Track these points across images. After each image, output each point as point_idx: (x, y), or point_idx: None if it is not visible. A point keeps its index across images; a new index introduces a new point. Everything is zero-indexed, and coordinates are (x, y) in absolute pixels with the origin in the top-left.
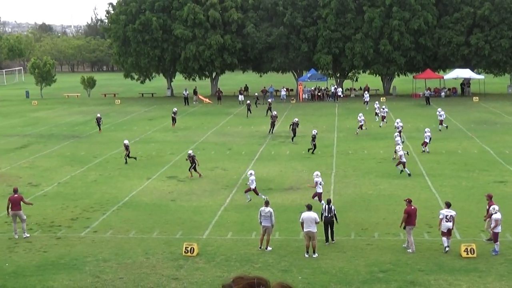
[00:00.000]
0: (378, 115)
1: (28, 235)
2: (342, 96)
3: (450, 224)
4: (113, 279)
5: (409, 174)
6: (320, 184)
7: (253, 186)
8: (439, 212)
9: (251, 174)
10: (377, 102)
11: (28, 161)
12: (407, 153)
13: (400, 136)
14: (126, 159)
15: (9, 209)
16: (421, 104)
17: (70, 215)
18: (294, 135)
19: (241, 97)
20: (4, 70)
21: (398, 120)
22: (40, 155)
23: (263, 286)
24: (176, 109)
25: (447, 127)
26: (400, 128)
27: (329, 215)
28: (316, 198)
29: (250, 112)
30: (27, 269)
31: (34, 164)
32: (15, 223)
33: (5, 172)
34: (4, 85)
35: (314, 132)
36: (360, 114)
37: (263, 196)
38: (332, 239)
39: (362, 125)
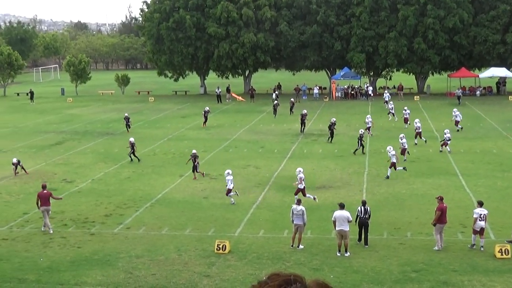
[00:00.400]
0: (392, 114)
1: (51, 231)
2: (372, 94)
3: (483, 223)
4: (145, 275)
5: (387, 177)
6: (302, 180)
7: (301, 186)
8: (473, 211)
9: (299, 171)
10: (405, 107)
11: (63, 157)
12: (408, 153)
13: (415, 137)
14: (131, 157)
15: (39, 205)
16: (455, 103)
17: (103, 212)
18: (332, 137)
19: (274, 95)
20: (40, 68)
21: (416, 120)
22: (74, 152)
23: (299, 283)
24: (208, 108)
25: (462, 128)
26: (418, 129)
27: (364, 216)
28: (300, 193)
29: (275, 113)
30: (62, 264)
31: (69, 161)
32: (46, 218)
33: (41, 168)
34: (40, 83)
35: (361, 131)
36: (368, 116)
37: (311, 197)
38: (366, 243)
39: (370, 127)
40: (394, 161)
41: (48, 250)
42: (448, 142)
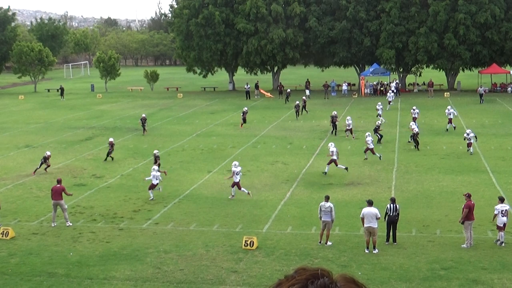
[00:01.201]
0: (380, 116)
1: (71, 224)
2: (395, 91)
3: (505, 219)
4: (173, 270)
5: (324, 172)
6: (237, 174)
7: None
8: (495, 207)
9: (331, 145)
10: (414, 107)
11: (92, 153)
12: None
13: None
14: (107, 156)
15: (52, 198)
16: (486, 99)
17: (132, 207)
18: (335, 129)
19: (307, 92)
20: (70, 64)
21: (412, 123)
22: (104, 147)
23: (327, 277)
24: (246, 108)
25: (455, 127)
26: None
27: (393, 214)
28: (236, 187)
29: (298, 115)
30: (91, 259)
31: (98, 156)
32: (55, 212)
33: (71, 163)
34: (70, 79)
35: (416, 130)
36: (348, 118)
37: (342, 167)
38: (394, 241)
39: (350, 129)
40: (335, 158)
41: (78, 245)
42: (472, 142)
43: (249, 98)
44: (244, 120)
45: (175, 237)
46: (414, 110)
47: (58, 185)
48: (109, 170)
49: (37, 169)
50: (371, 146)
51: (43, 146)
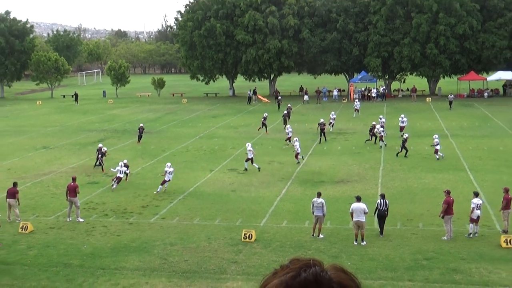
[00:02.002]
0: (332, 126)
1: (82, 220)
2: (375, 96)
3: (479, 212)
4: (178, 261)
5: (246, 169)
6: (169, 174)
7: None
8: (471, 201)
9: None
10: (402, 115)
11: None
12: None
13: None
14: (97, 162)
15: (67, 195)
16: (465, 104)
17: (141, 203)
18: (324, 136)
19: (306, 97)
20: (84, 72)
21: (378, 126)
22: (114, 149)
23: (318, 266)
24: (266, 114)
25: (403, 135)
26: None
27: (383, 209)
28: (166, 185)
29: (285, 124)
30: (103, 251)
31: (109, 157)
32: (70, 207)
33: (84, 163)
34: (84, 86)
35: (405, 136)
36: (332, 112)
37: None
38: (381, 233)
39: (333, 124)
40: (251, 156)
41: (91, 238)
42: (437, 148)
43: (250, 103)
44: (263, 125)
45: (180, 231)
46: (402, 118)
47: (73, 183)
48: None
49: (98, 165)
50: (250, 156)
51: (59, 147)
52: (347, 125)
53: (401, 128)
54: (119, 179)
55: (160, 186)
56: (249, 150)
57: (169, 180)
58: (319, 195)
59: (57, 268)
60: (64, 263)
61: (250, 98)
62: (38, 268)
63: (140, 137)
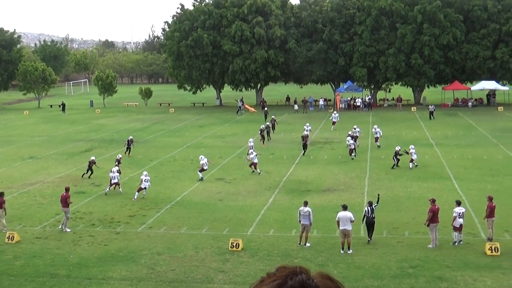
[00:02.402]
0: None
1: (68, 230)
2: (360, 105)
3: (462, 220)
4: (166, 270)
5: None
6: (145, 181)
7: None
8: (453, 210)
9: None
10: (375, 126)
11: None
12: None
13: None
14: (86, 173)
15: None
16: (449, 113)
17: (128, 212)
18: (305, 149)
19: (296, 107)
20: (71, 82)
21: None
22: (102, 158)
23: (305, 274)
24: (274, 117)
25: (379, 146)
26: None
27: (371, 216)
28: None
29: (269, 138)
30: (90, 261)
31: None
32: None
33: (71, 173)
34: (71, 96)
35: (397, 148)
36: (307, 124)
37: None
38: (370, 239)
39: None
40: (205, 168)
41: (78, 248)
42: (414, 157)
43: (241, 113)
44: (262, 137)
45: (167, 240)
46: (375, 129)
47: (65, 193)
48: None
49: (84, 174)
50: (204, 166)
51: (46, 157)
52: (333, 134)
53: (376, 139)
54: (140, 189)
55: (137, 193)
56: (143, 178)
57: (146, 187)
58: (305, 204)
59: (43, 279)
60: (51, 273)
61: (240, 108)
62: (25, 278)
63: (128, 149)
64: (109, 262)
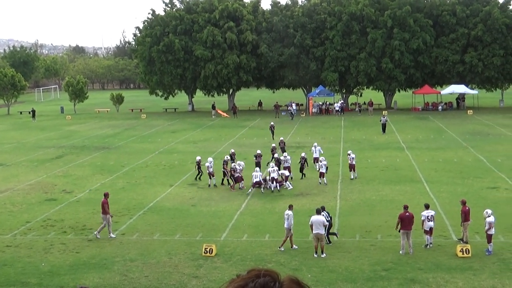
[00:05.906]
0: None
1: (114, 235)
2: (339, 110)
3: (431, 223)
4: (139, 277)
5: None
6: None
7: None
8: (421, 214)
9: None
10: (350, 151)
11: (62, 170)
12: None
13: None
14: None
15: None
16: (419, 117)
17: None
18: (302, 170)
19: (283, 113)
20: (41, 88)
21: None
22: (73, 165)
23: (269, 276)
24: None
25: (353, 178)
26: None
27: (328, 220)
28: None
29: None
30: (62, 269)
31: (68, 173)
32: (108, 224)
33: (42, 180)
34: (41, 102)
35: (303, 154)
36: (274, 145)
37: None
38: (329, 241)
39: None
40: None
41: (49, 256)
42: (323, 171)
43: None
44: (283, 150)
45: (140, 247)
46: (315, 148)
47: (103, 199)
48: (78, 185)
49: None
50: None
51: (16, 164)
52: (306, 138)
53: (315, 160)
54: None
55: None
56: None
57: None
58: (290, 207)
59: (14, 287)
60: (22, 281)
61: (214, 107)
62: None
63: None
64: (81, 270)
